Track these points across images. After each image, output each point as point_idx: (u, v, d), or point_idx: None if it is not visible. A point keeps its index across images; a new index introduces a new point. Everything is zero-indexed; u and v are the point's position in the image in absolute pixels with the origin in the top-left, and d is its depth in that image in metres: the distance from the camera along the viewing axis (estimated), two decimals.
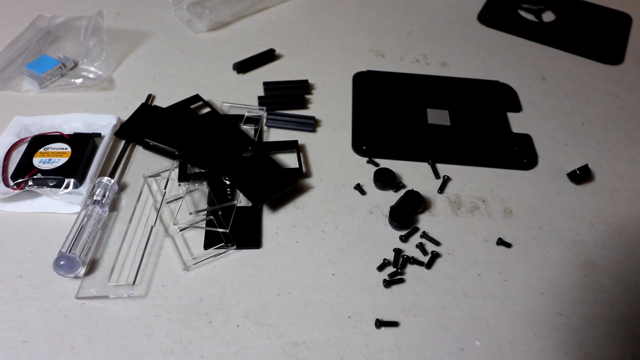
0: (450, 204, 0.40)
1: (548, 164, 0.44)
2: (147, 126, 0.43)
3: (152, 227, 0.37)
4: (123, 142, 0.43)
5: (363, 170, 0.42)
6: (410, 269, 0.36)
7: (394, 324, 0.33)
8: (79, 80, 0.48)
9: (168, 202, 0.39)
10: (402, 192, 0.41)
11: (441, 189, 0.41)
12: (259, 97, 0.48)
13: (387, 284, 0.34)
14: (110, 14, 0.57)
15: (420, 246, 0.37)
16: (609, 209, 0.41)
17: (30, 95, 0.47)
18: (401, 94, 0.50)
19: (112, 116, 0.44)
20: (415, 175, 0.42)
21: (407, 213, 0.38)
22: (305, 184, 0.41)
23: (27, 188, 0.37)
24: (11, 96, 0.47)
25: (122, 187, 0.40)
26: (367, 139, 0.45)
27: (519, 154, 0.44)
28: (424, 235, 0.38)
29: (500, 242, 0.38)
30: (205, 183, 0.40)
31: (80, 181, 0.38)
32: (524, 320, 0.33)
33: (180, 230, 0.37)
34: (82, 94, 0.48)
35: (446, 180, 0.42)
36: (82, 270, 0.34)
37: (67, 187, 0.37)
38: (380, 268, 0.35)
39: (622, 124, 0.49)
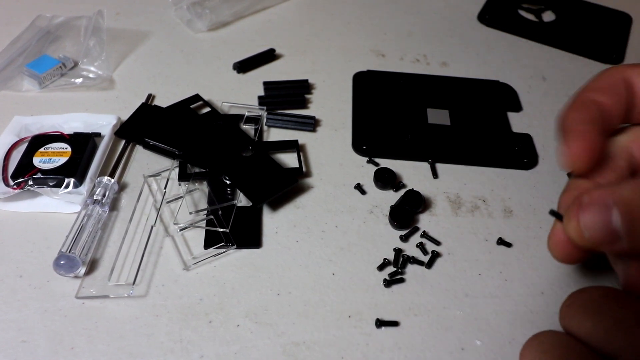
0: (451, 204, 0.40)
1: (548, 164, 0.44)
2: (147, 126, 0.43)
3: (152, 227, 0.37)
4: (123, 142, 0.43)
5: (363, 170, 0.42)
6: (411, 269, 0.36)
7: (394, 323, 0.32)
8: (79, 80, 0.48)
9: (168, 202, 0.39)
10: (402, 191, 0.41)
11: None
12: (259, 97, 0.48)
13: (388, 283, 0.34)
14: (110, 14, 0.57)
15: (421, 246, 0.37)
16: None
17: (30, 95, 0.47)
18: (401, 94, 0.50)
19: (112, 116, 0.44)
20: (415, 174, 0.42)
21: (407, 213, 0.38)
22: (305, 184, 0.41)
23: (27, 188, 0.37)
24: (11, 96, 0.47)
25: (122, 187, 0.40)
26: (367, 139, 0.45)
27: (519, 153, 0.44)
28: (424, 234, 0.38)
29: (501, 241, 0.38)
30: (205, 183, 0.40)
31: (80, 181, 0.38)
32: (524, 320, 0.33)
33: (181, 230, 0.37)
34: (82, 93, 0.48)
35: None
36: (82, 270, 0.34)
37: (67, 186, 0.37)
38: (381, 268, 0.35)
39: None
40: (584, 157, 0.27)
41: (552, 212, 0.27)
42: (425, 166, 0.43)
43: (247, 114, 0.45)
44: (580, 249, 0.26)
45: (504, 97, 0.50)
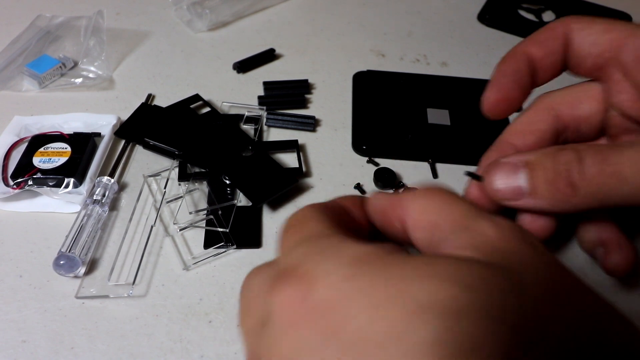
0: None
1: None
2: (147, 126, 0.43)
3: (152, 227, 0.37)
4: (123, 142, 0.43)
5: (363, 169, 0.42)
6: None
7: None
8: (79, 80, 0.48)
9: (168, 202, 0.39)
10: (402, 192, 0.41)
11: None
12: (259, 97, 0.48)
13: None
14: (110, 14, 0.57)
15: None
16: None
17: (30, 95, 0.47)
18: (401, 94, 0.50)
19: (112, 116, 0.44)
20: (415, 174, 0.42)
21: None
22: (305, 184, 0.41)
23: (27, 187, 0.37)
24: (11, 96, 0.47)
25: (122, 187, 0.40)
26: (367, 139, 0.45)
27: None
28: None
29: None
30: (205, 182, 0.40)
31: (80, 181, 0.38)
32: None
33: (180, 230, 0.37)
34: (82, 93, 0.48)
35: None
36: (82, 270, 0.34)
37: (67, 186, 0.37)
38: None
39: None
40: (497, 106, 0.32)
41: (468, 173, 0.31)
42: (425, 166, 0.43)
43: (247, 114, 0.45)
44: (494, 205, 0.30)
45: None
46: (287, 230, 0.19)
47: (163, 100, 0.47)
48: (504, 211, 0.30)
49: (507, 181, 0.28)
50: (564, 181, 0.26)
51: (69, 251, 0.33)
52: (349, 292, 0.14)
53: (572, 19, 0.31)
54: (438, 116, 0.47)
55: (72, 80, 0.48)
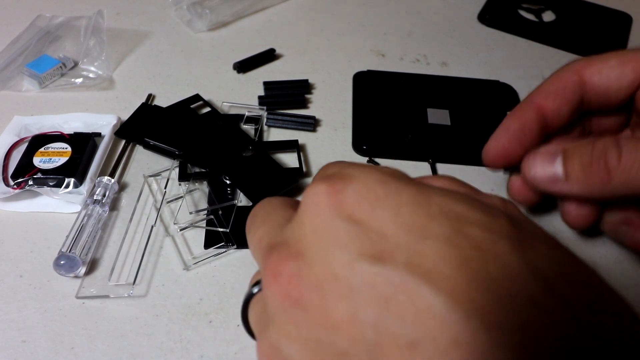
0: None
1: None
2: (147, 126, 0.43)
3: (152, 227, 0.37)
4: (123, 142, 0.43)
5: None
6: None
7: None
8: (79, 80, 0.48)
9: (168, 202, 0.39)
10: None
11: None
12: (259, 97, 0.48)
13: None
14: (110, 14, 0.57)
15: None
16: None
17: (30, 95, 0.47)
18: (401, 94, 0.50)
19: (112, 116, 0.44)
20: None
21: None
22: (305, 184, 0.41)
23: (27, 187, 0.37)
24: (11, 96, 0.47)
25: (122, 187, 0.40)
26: (367, 139, 0.45)
27: None
28: None
29: None
30: (205, 182, 0.40)
31: (80, 181, 0.38)
32: None
33: (181, 230, 0.37)
34: (82, 93, 0.48)
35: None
36: (82, 270, 0.34)
37: (67, 186, 0.37)
38: None
39: None
40: (494, 160, 0.34)
41: (507, 169, 0.35)
42: (425, 166, 0.43)
43: (247, 114, 0.45)
44: (534, 191, 0.32)
45: (504, 97, 0.50)
46: (321, 169, 0.21)
47: (163, 100, 0.47)
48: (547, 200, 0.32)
49: (544, 168, 0.30)
50: (599, 165, 0.27)
51: (69, 251, 0.33)
52: (381, 192, 0.17)
53: (580, 63, 0.32)
54: (438, 116, 0.47)
55: (72, 80, 0.48)
